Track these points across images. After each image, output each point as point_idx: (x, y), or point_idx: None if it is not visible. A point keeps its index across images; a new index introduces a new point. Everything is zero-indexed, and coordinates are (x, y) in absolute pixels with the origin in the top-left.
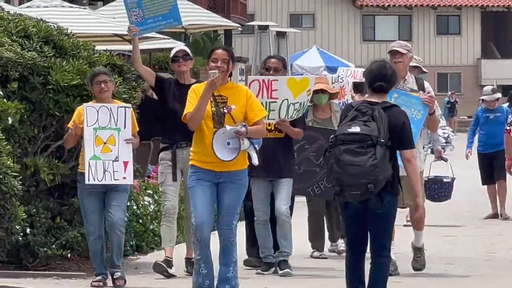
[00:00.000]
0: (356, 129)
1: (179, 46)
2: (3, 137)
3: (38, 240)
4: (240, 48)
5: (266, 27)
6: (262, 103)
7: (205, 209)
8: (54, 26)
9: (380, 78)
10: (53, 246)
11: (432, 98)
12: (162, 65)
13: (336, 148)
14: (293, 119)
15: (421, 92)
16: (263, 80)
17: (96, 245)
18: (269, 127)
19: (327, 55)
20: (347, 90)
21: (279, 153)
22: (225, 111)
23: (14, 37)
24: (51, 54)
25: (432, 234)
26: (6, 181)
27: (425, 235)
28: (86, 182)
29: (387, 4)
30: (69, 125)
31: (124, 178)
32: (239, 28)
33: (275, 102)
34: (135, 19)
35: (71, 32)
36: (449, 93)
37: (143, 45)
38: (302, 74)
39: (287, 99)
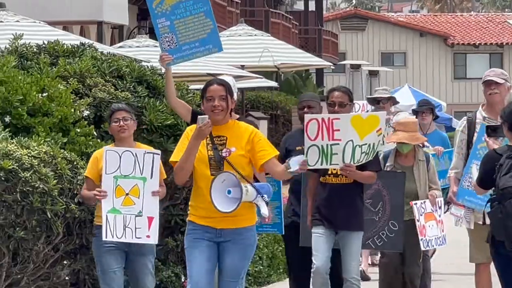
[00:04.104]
0: None
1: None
2: None
3: None
4: (332, 87)
5: (358, 66)
6: (322, 146)
7: (202, 275)
8: (147, 66)
9: None
10: None
11: None
12: (254, 104)
13: (507, 202)
14: (361, 163)
15: None
16: (323, 119)
17: None
18: (334, 171)
19: (418, 93)
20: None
21: (347, 201)
22: (224, 155)
23: (108, 77)
24: (144, 94)
25: None
26: None
27: None
28: (103, 238)
29: (478, 42)
30: (86, 173)
31: (148, 236)
32: (331, 67)
33: (338, 144)
34: (168, 45)
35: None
36: None
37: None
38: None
39: (352, 140)
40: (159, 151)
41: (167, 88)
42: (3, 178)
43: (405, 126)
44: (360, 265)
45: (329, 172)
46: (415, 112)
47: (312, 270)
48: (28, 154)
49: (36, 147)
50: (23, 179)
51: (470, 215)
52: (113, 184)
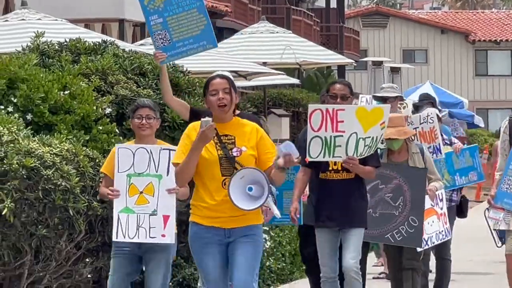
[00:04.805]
0: None
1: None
2: None
3: None
4: (353, 84)
5: (380, 62)
6: (325, 137)
7: (220, 282)
8: (169, 64)
9: None
10: (170, 283)
11: None
12: (276, 101)
13: None
14: (363, 157)
15: None
16: (327, 110)
17: None
18: (335, 167)
19: (440, 90)
20: (437, 133)
21: (348, 197)
22: (235, 154)
23: (130, 75)
24: None
25: None
26: None
27: None
28: (114, 239)
29: (499, 39)
30: (102, 169)
31: (163, 236)
32: (353, 64)
33: (342, 136)
34: (162, 43)
35: (186, 69)
36: None
37: (256, 82)
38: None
39: (355, 133)
40: (175, 147)
41: (162, 86)
42: (25, 176)
43: (391, 122)
44: (381, 267)
45: (330, 168)
46: (416, 107)
47: (321, 275)
48: (50, 152)
49: (58, 145)
50: (45, 176)
51: (510, 217)
52: (126, 182)
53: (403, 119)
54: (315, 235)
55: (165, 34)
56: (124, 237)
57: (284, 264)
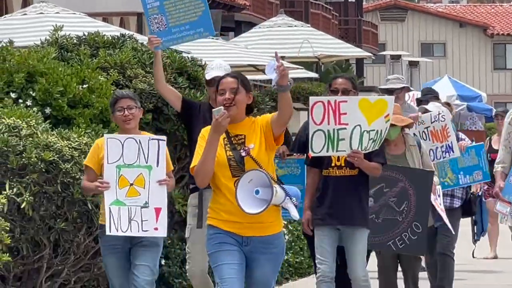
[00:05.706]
0: None
1: (217, 65)
2: None
3: (173, 272)
4: (372, 78)
5: (399, 56)
6: (328, 130)
7: (235, 278)
8: (188, 57)
9: None
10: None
11: None
12: (294, 95)
13: None
14: (368, 151)
15: None
16: (329, 102)
17: None
18: (338, 163)
19: (458, 84)
20: (450, 131)
21: (351, 195)
22: (243, 154)
23: (148, 69)
24: (185, 85)
25: None
26: None
27: None
28: (107, 232)
29: None
30: (86, 162)
31: (156, 229)
32: (372, 57)
33: (345, 128)
34: (157, 27)
35: (204, 63)
36: None
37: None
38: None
39: (359, 125)
40: (164, 137)
41: (155, 73)
42: (43, 170)
43: None
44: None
45: (333, 164)
46: (419, 101)
47: (316, 275)
48: (69, 146)
49: (76, 139)
50: (63, 170)
51: None
52: (116, 174)
53: (400, 107)
54: (315, 234)
55: (162, 19)
56: (117, 230)
57: (302, 258)
